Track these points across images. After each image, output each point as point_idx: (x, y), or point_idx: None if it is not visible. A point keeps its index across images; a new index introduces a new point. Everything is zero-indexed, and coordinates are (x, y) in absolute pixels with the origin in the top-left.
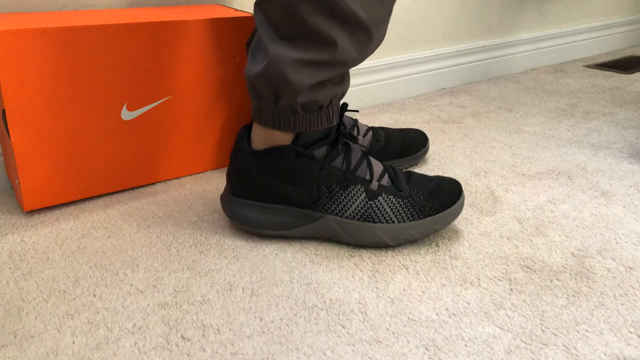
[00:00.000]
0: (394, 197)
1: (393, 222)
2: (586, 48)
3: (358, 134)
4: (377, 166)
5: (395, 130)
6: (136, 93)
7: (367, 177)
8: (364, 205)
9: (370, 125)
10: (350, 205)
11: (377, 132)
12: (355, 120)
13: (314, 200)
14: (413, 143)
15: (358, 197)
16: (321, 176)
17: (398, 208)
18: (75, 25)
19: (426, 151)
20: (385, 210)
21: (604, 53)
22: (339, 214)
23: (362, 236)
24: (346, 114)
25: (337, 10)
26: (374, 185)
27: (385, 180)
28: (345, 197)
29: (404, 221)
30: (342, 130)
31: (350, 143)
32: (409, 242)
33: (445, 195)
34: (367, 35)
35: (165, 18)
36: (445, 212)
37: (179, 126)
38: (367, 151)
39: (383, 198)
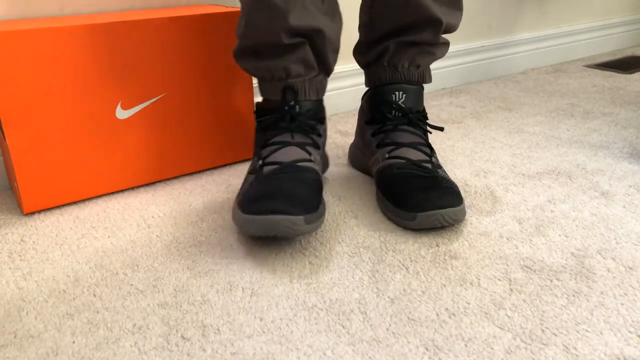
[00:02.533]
0: (254, 177)
1: (236, 195)
2: (586, 48)
3: None
4: (285, 156)
5: None
6: (130, 91)
7: (264, 155)
8: (247, 173)
9: None
10: (248, 168)
11: None
12: None
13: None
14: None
15: (250, 166)
16: (255, 138)
17: (243, 187)
18: (66, 26)
19: None
20: (243, 184)
21: (604, 53)
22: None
23: None
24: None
25: None
26: (259, 164)
27: (268, 169)
28: (251, 163)
29: (236, 196)
30: (296, 118)
31: (299, 136)
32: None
33: (255, 205)
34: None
35: (157, 16)
36: (241, 215)
37: (175, 124)
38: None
39: (250, 177)
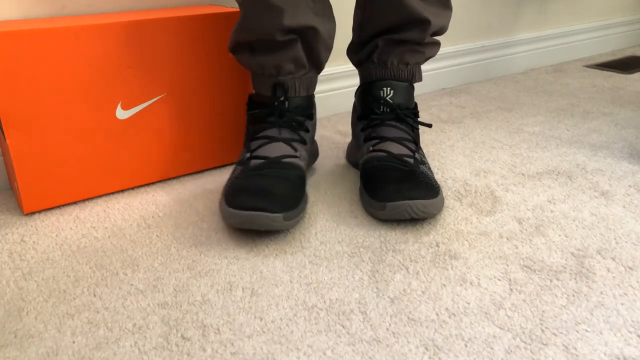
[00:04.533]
0: (241, 169)
1: (225, 184)
2: (586, 48)
3: None
4: (272, 151)
5: None
6: (130, 92)
7: (252, 148)
8: (235, 165)
9: None
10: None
11: None
12: None
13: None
14: None
15: (240, 157)
16: (246, 129)
17: (231, 177)
18: (66, 26)
19: None
20: (232, 173)
21: (604, 53)
22: None
23: None
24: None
25: None
26: (247, 156)
27: (254, 163)
28: (241, 153)
29: (224, 184)
30: (284, 114)
31: (286, 131)
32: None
33: (238, 200)
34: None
35: (156, 16)
36: (224, 206)
37: (176, 124)
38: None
39: (238, 168)
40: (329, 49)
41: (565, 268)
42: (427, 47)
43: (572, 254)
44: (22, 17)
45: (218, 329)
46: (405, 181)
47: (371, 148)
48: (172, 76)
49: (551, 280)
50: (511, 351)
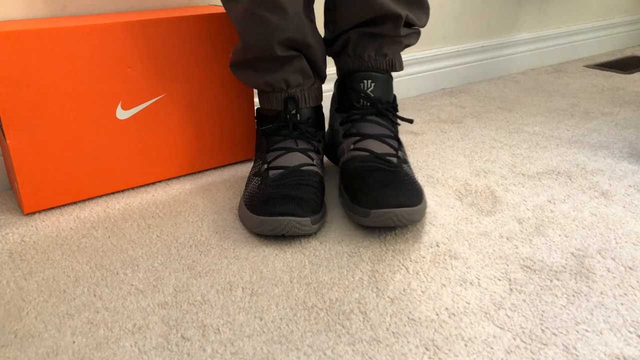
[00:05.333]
0: (260, 180)
1: (242, 196)
2: (586, 48)
3: None
4: (290, 161)
5: None
6: (130, 92)
7: (268, 160)
8: (250, 175)
9: None
10: (251, 171)
11: None
12: None
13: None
14: None
15: (254, 169)
16: (258, 142)
17: (248, 189)
18: (67, 26)
19: None
20: (248, 184)
21: (604, 53)
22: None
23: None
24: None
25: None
26: (264, 167)
27: (273, 173)
28: (253, 164)
29: (242, 197)
30: (298, 126)
31: (301, 142)
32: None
33: (265, 207)
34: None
35: (156, 16)
36: (251, 216)
37: (176, 124)
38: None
39: (256, 179)
40: (325, 59)
41: (565, 268)
42: (405, 37)
43: (572, 254)
44: (22, 17)
45: (218, 329)
46: (389, 186)
47: (352, 146)
48: (172, 76)
49: (551, 280)
50: (511, 351)
